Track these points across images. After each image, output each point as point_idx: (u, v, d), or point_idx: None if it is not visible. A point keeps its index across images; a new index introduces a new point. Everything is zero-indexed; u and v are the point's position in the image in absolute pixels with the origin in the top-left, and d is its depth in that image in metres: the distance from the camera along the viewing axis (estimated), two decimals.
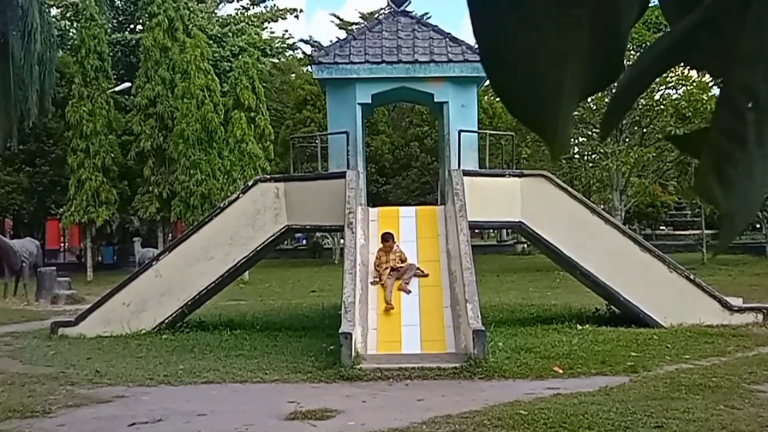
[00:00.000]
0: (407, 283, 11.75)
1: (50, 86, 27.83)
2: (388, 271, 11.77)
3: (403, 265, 11.91)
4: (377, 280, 11.81)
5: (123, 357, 11.21)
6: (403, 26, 14.32)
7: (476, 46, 0.72)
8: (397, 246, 12.12)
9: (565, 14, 0.69)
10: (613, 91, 0.78)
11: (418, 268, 11.98)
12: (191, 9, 37.48)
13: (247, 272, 22.40)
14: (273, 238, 13.80)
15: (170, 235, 32.15)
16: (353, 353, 9.91)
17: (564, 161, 33.31)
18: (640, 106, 28.30)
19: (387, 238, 12.11)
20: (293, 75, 42.44)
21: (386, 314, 11.31)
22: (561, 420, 7.20)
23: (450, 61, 13.57)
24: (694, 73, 29.61)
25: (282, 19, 45.41)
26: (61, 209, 31.19)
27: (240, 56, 34.52)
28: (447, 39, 13.99)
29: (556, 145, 0.73)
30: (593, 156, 33.27)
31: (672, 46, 0.76)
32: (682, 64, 0.80)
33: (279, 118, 38.05)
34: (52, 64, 27.51)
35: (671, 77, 28.21)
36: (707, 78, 28.24)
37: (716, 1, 0.77)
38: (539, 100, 0.71)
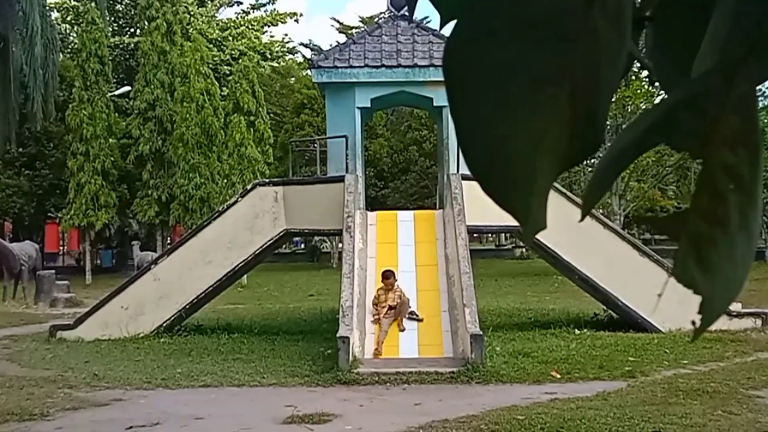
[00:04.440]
0: (403, 318, 11.30)
1: (53, 89, 27.85)
2: (386, 309, 11.31)
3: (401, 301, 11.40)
4: (376, 318, 11.38)
5: (121, 360, 11.21)
6: (403, 30, 14.34)
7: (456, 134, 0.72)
8: (398, 285, 11.64)
9: (542, 93, 0.67)
10: (593, 172, 0.77)
11: (412, 311, 11.46)
12: (191, 13, 37.57)
13: (245, 276, 22.38)
14: (271, 241, 13.81)
15: (169, 238, 32.17)
16: (351, 357, 9.91)
17: None
18: (639, 111, 28.34)
19: (388, 275, 11.59)
20: (293, 79, 42.46)
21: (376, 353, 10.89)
22: (558, 425, 7.20)
23: None
24: None
25: (282, 23, 45.43)
26: (61, 213, 31.17)
27: (240, 60, 34.59)
28: None
29: (529, 226, 0.72)
30: (592, 160, 33.26)
31: (652, 125, 0.74)
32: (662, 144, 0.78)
33: (278, 122, 38.07)
34: (55, 68, 27.53)
35: None
36: None
37: (699, 80, 0.76)
38: (513, 182, 0.70)
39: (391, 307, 11.33)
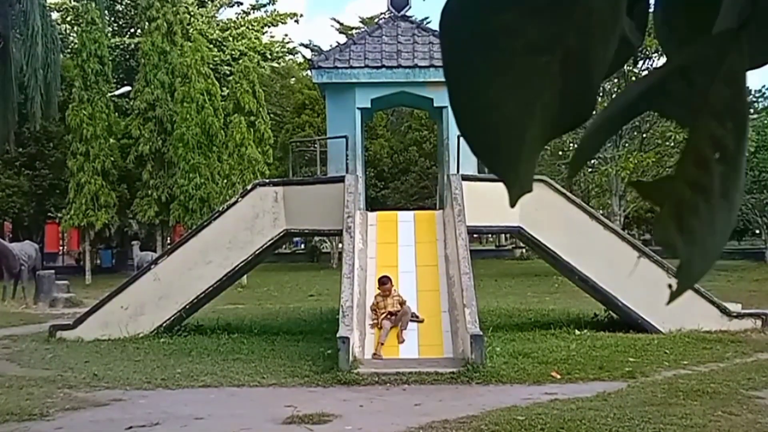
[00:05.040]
0: (404, 329, 11.18)
1: (56, 89, 27.85)
2: (385, 314, 11.23)
3: (401, 308, 11.31)
4: (375, 322, 11.31)
5: (121, 360, 11.20)
6: (403, 31, 14.34)
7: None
8: (395, 290, 11.59)
9: (535, 61, 0.68)
10: (582, 134, 0.78)
11: (413, 314, 11.42)
12: (191, 13, 37.56)
13: (245, 276, 22.38)
14: (271, 242, 13.80)
15: (169, 238, 32.17)
16: (351, 357, 9.91)
17: (563, 166, 33.34)
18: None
19: (385, 281, 11.50)
20: (293, 79, 42.47)
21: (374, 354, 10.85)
22: (558, 426, 7.20)
23: None
24: None
25: (282, 23, 45.45)
26: (61, 213, 31.17)
27: (240, 60, 34.59)
28: None
29: (515, 189, 0.73)
30: (592, 161, 33.29)
31: (644, 92, 0.76)
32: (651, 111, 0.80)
33: (278, 123, 38.08)
34: (56, 68, 27.54)
35: None
36: None
37: (693, 50, 0.77)
38: (502, 146, 0.71)
39: (390, 313, 11.24)
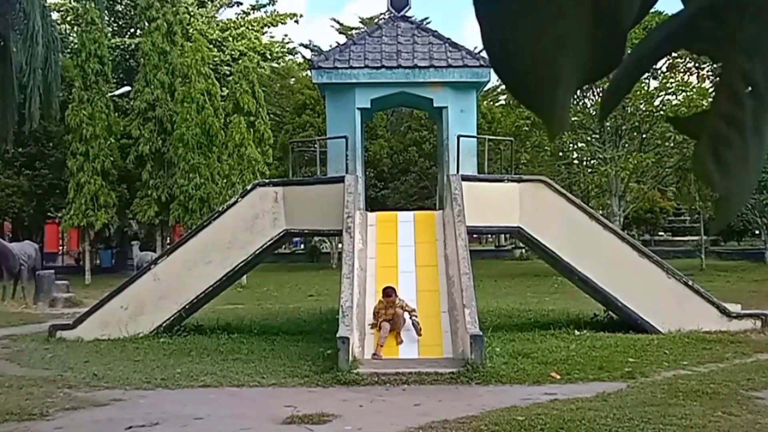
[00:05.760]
0: (398, 331, 11.08)
1: (56, 90, 27.84)
2: (384, 319, 11.05)
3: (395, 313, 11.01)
4: (375, 324, 11.19)
5: (120, 360, 11.20)
6: (403, 31, 14.34)
7: (479, 33, 0.73)
8: (400, 299, 11.23)
9: None
10: (612, 76, 0.80)
11: (416, 324, 11.04)
12: (191, 13, 37.56)
13: (245, 276, 22.39)
14: (271, 242, 13.80)
15: (168, 238, 32.15)
16: (351, 358, 9.91)
17: (563, 166, 33.36)
18: (639, 112, 28.35)
19: (389, 293, 11.17)
20: (293, 79, 42.46)
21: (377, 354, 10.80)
22: (558, 426, 7.20)
23: (449, 66, 13.59)
24: (694, 79, 29.73)
25: (282, 23, 45.44)
26: (60, 212, 31.14)
27: (240, 60, 34.58)
28: (446, 44, 14.01)
29: (554, 124, 0.75)
30: (592, 161, 33.30)
31: (673, 31, 0.78)
32: (683, 51, 0.82)
33: (278, 123, 38.07)
34: (57, 68, 27.53)
35: (671, 83, 28.27)
36: (707, 84, 28.30)
37: None
38: (539, 83, 0.73)
39: (389, 319, 11.10)
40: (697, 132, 0.77)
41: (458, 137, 13.54)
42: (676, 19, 0.79)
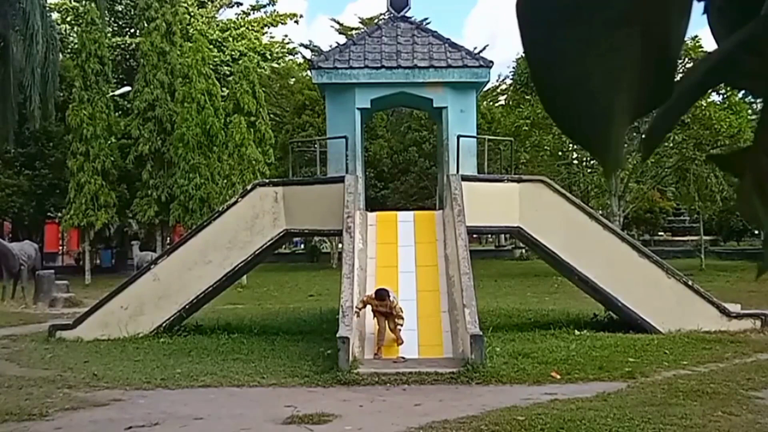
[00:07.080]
0: (393, 329, 10.90)
1: (53, 90, 27.83)
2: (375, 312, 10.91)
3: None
4: (360, 308, 10.92)
5: (120, 360, 11.20)
6: (403, 32, 14.35)
7: (530, 75, 0.72)
8: (395, 300, 10.90)
9: (616, 34, 0.69)
10: (655, 115, 0.78)
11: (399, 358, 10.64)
12: (191, 14, 37.56)
13: (245, 276, 22.38)
14: (271, 242, 13.81)
15: (168, 238, 32.14)
16: (351, 357, 9.91)
17: (562, 166, 33.35)
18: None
19: (383, 296, 10.85)
20: (293, 80, 42.44)
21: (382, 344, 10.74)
22: (558, 426, 7.20)
23: (449, 66, 13.59)
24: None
25: (282, 24, 45.45)
26: (60, 212, 31.12)
27: (240, 61, 34.58)
28: (446, 44, 14.01)
29: (610, 163, 0.73)
30: (592, 161, 33.30)
31: (713, 67, 0.76)
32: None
33: (278, 123, 38.07)
34: (55, 68, 27.53)
35: None
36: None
37: (758, 22, 0.77)
38: (592, 120, 0.71)
39: (382, 313, 10.89)
40: (740, 169, 0.75)
41: (458, 137, 13.54)
42: (714, 56, 0.77)
